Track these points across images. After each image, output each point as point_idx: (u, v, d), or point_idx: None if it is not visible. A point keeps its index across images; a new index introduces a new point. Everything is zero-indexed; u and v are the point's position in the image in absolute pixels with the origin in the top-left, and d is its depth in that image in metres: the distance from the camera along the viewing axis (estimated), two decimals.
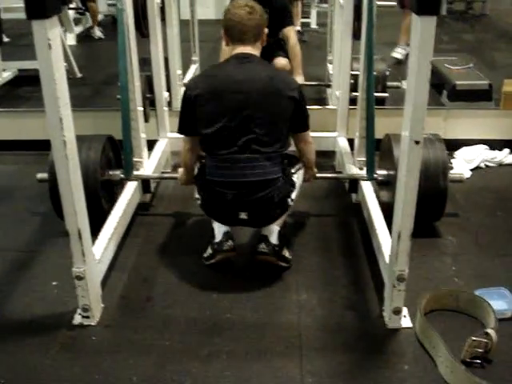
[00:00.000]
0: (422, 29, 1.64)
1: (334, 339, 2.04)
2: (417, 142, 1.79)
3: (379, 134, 2.75)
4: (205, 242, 2.47)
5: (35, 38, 1.68)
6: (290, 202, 2.38)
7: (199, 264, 2.46)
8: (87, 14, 6.98)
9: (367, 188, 2.77)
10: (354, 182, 2.91)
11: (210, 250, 2.42)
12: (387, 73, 3.94)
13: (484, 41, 6.65)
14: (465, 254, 2.56)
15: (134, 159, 2.89)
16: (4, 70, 4.85)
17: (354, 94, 3.16)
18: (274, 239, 2.39)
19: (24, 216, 2.92)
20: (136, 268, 2.48)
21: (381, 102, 3.68)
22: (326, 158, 3.40)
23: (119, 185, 2.85)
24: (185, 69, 4.17)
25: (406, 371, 1.90)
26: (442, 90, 4.22)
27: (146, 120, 3.13)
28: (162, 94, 3.30)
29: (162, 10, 3.41)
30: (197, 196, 2.41)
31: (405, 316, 2.10)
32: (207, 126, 2.25)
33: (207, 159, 2.32)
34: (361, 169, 2.96)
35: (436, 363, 1.90)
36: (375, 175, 2.79)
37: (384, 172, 2.78)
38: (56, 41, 1.71)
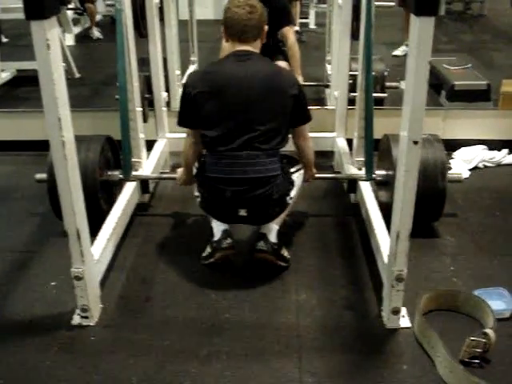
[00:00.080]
0: (420, 29, 1.64)
1: (333, 339, 2.05)
2: (415, 143, 1.79)
3: (378, 134, 2.75)
4: (204, 242, 2.48)
5: (34, 38, 1.68)
6: (289, 201, 2.38)
7: (198, 264, 2.46)
8: (85, 14, 6.98)
9: (366, 188, 2.77)
10: (353, 182, 2.91)
11: (208, 249, 2.43)
12: (386, 73, 3.95)
13: (482, 41, 6.66)
14: (463, 254, 2.56)
15: (133, 159, 2.89)
16: (3, 71, 4.85)
17: (353, 94, 3.16)
18: (272, 237, 2.39)
19: (23, 216, 2.92)
20: (135, 268, 2.48)
21: (379, 102, 3.69)
22: (325, 158, 3.40)
23: (118, 185, 2.85)
24: (183, 69, 4.17)
25: (404, 371, 1.90)
26: (440, 90, 4.23)
27: (145, 120, 3.13)
28: (161, 95, 3.30)
29: (161, 10, 3.40)
30: (196, 194, 2.41)
31: (403, 316, 2.10)
32: (208, 127, 2.25)
33: (207, 156, 2.32)
34: (359, 169, 2.96)
35: (434, 363, 1.90)
36: (374, 175, 2.80)
37: (383, 172, 2.79)
38: (55, 41, 1.72)
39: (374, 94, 2.80)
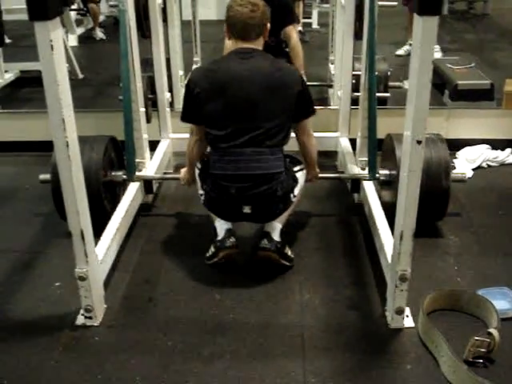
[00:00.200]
0: (423, 29, 1.64)
1: (337, 339, 2.04)
2: (419, 142, 1.79)
3: (381, 133, 2.75)
4: (207, 242, 2.48)
5: (37, 39, 1.68)
6: (293, 198, 2.39)
7: (202, 264, 2.46)
8: (89, 15, 6.99)
9: (369, 188, 2.77)
10: (356, 182, 2.91)
11: (212, 249, 2.42)
12: (389, 73, 3.94)
13: (486, 40, 6.64)
14: (467, 254, 2.55)
15: (137, 160, 2.90)
16: (6, 72, 4.85)
17: (356, 94, 3.16)
18: (276, 236, 2.39)
19: (27, 217, 2.93)
20: (138, 268, 2.48)
21: (383, 101, 3.69)
22: (328, 158, 3.40)
23: (121, 185, 2.86)
24: (187, 69, 4.17)
25: (408, 371, 1.90)
26: (443, 89, 4.22)
27: (148, 121, 3.13)
28: (164, 95, 3.30)
29: (164, 10, 3.41)
30: (200, 192, 2.41)
31: (407, 316, 2.10)
32: (212, 125, 2.26)
33: (211, 153, 2.32)
34: (363, 169, 2.96)
35: (438, 363, 1.90)
36: (377, 175, 2.79)
37: (386, 172, 2.78)
38: (58, 42, 1.72)
39: (378, 94, 2.80)
